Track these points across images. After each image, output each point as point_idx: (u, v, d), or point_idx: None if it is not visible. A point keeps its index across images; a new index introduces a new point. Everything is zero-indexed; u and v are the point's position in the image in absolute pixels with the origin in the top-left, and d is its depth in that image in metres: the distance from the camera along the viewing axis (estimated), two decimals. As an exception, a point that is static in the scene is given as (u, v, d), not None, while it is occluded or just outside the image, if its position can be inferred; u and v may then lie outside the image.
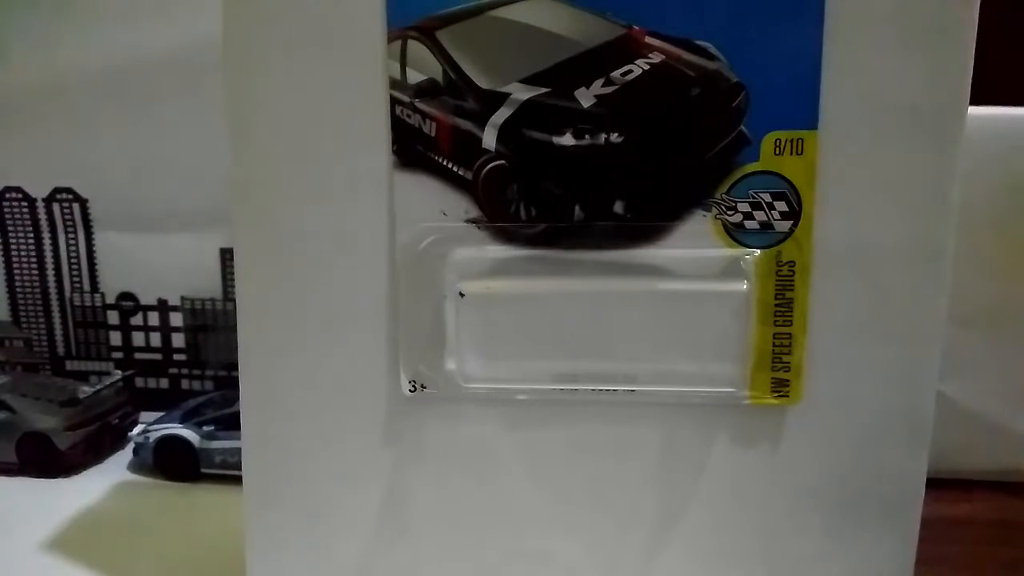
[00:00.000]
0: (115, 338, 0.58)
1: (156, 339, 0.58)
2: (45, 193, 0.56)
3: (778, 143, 0.26)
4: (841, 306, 0.27)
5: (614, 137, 0.27)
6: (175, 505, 0.44)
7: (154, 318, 0.57)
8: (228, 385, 0.56)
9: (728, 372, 0.28)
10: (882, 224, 0.27)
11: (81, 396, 0.49)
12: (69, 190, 0.56)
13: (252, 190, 0.29)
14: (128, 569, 0.38)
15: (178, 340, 0.57)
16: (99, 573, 0.37)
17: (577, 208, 0.27)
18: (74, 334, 0.59)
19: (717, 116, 0.26)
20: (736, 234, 0.27)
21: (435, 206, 0.28)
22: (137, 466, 0.48)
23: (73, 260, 0.57)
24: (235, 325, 0.30)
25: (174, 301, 0.57)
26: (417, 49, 0.27)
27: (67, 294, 0.58)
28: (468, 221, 0.28)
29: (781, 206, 0.27)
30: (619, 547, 0.30)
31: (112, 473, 0.48)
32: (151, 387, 0.58)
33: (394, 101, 0.27)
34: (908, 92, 0.26)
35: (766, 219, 0.27)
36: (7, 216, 0.57)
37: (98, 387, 0.51)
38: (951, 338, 0.28)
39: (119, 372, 0.55)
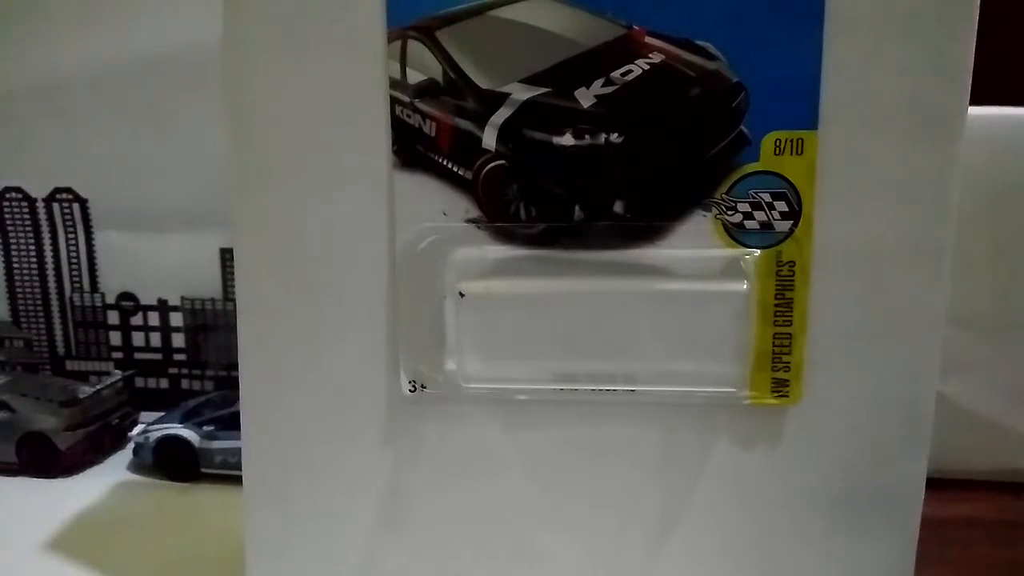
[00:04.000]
0: (115, 338, 0.58)
1: (156, 339, 0.58)
2: (45, 193, 0.56)
3: (778, 143, 0.26)
4: (841, 306, 0.27)
5: (614, 137, 0.27)
6: (175, 505, 0.44)
7: (154, 318, 0.57)
8: (228, 385, 0.56)
9: (728, 372, 0.28)
10: (882, 224, 0.27)
11: (81, 396, 0.49)
12: (69, 190, 0.56)
13: (252, 190, 0.29)
14: (128, 569, 0.38)
15: (178, 340, 0.57)
16: (99, 573, 0.37)
17: (577, 208, 0.27)
18: (74, 334, 0.59)
19: (717, 116, 0.26)
20: (736, 234, 0.27)
21: (435, 206, 0.28)
22: (137, 466, 0.48)
23: (73, 260, 0.57)
24: (235, 325, 0.30)
25: (174, 301, 0.57)
26: (417, 49, 0.27)
27: (67, 294, 0.58)
28: (468, 221, 0.28)
29: (781, 206, 0.27)
30: (619, 547, 0.30)
31: (112, 473, 0.48)
32: (151, 387, 0.58)
33: (394, 101, 0.27)
34: (908, 92, 0.26)
35: (766, 219, 0.27)
36: (7, 216, 0.57)
37: (98, 387, 0.51)
38: (951, 338, 0.28)
39: (119, 372, 0.55)
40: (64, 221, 0.57)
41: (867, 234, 0.27)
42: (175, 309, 0.57)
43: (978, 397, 0.44)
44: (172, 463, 0.47)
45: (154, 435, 0.47)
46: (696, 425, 0.29)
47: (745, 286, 0.27)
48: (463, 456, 0.29)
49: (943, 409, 0.29)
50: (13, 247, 0.58)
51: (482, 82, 0.27)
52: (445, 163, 0.28)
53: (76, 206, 0.56)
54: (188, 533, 0.41)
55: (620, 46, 0.26)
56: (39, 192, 0.56)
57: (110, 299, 0.58)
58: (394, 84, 0.27)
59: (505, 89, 0.27)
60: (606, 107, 0.27)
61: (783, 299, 0.27)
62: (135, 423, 0.52)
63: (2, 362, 0.59)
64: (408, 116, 0.27)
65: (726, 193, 0.27)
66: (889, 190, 0.26)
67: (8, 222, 0.57)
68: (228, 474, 0.46)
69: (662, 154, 0.27)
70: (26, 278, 0.58)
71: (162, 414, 0.50)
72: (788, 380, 0.28)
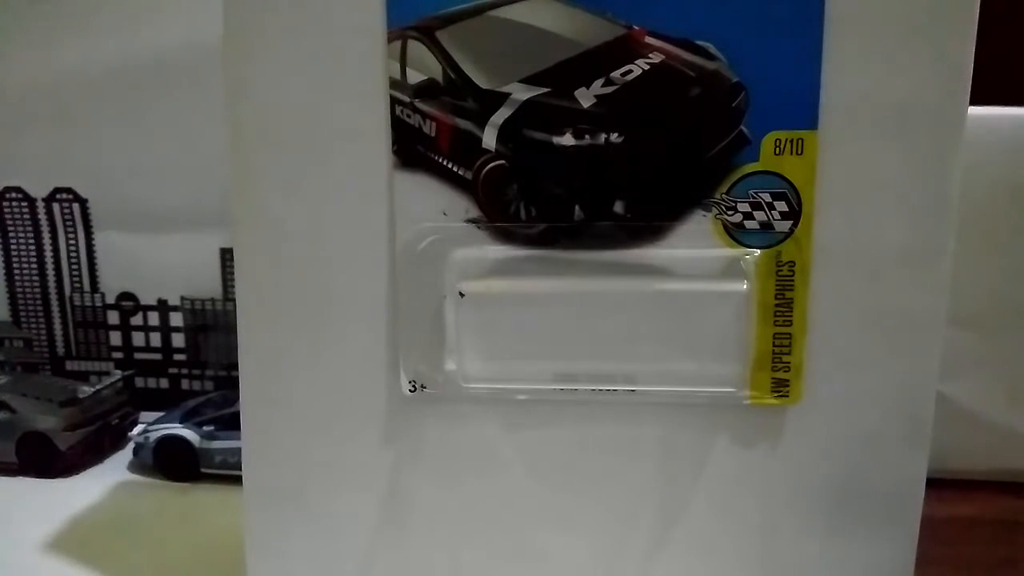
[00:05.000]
0: (115, 338, 0.58)
1: (156, 339, 0.58)
2: (45, 193, 0.56)
3: (778, 143, 0.26)
4: (841, 306, 0.27)
5: (614, 137, 0.27)
6: (175, 505, 0.44)
7: (154, 318, 0.57)
8: (228, 385, 0.56)
9: (728, 372, 0.28)
10: (882, 224, 0.27)
11: (81, 396, 0.49)
12: (69, 190, 0.56)
13: (252, 190, 0.29)
14: (128, 569, 0.38)
15: (178, 340, 0.57)
16: (99, 573, 0.37)
17: (577, 208, 0.27)
18: (74, 334, 0.59)
19: (717, 116, 0.26)
20: (736, 234, 0.27)
21: (435, 206, 0.28)
22: (137, 466, 0.48)
23: (73, 260, 0.57)
24: (235, 325, 0.30)
25: (174, 301, 0.57)
26: (417, 49, 0.27)
27: (67, 294, 0.58)
28: (468, 221, 0.28)
29: (781, 206, 0.27)
30: (619, 547, 0.30)
31: (112, 473, 0.48)
32: (151, 387, 0.58)
33: (394, 101, 0.27)
34: (908, 92, 0.26)
35: (766, 219, 0.27)
36: (7, 216, 0.57)
37: (98, 387, 0.51)
38: (951, 338, 0.28)
39: (119, 372, 0.55)
40: (64, 221, 0.57)
41: (867, 234, 0.27)
42: (175, 309, 0.57)
43: (978, 397, 0.44)
44: (172, 463, 0.47)
45: (154, 435, 0.47)
46: (696, 425, 0.29)
47: (745, 286, 0.27)
48: (463, 456, 0.29)
49: (943, 409, 0.29)
50: (13, 247, 0.58)
51: (482, 82, 0.27)
52: (445, 163, 0.28)
53: (76, 206, 0.56)
54: (188, 533, 0.41)
55: (620, 46, 0.26)
56: (39, 192, 0.56)
57: (110, 299, 0.58)
58: (394, 84, 0.27)
59: (505, 89, 0.27)
60: (606, 107, 0.27)
61: (783, 299, 0.27)
62: (135, 423, 0.53)
63: (2, 362, 0.59)
64: (408, 116, 0.27)
65: (726, 193, 0.27)
66: (889, 190, 0.26)
67: (8, 222, 0.57)
68: (228, 474, 0.46)
69: (662, 154, 0.27)
70: (26, 278, 0.58)
71: (162, 414, 0.50)
72: (788, 380, 0.28)
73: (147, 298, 0.57)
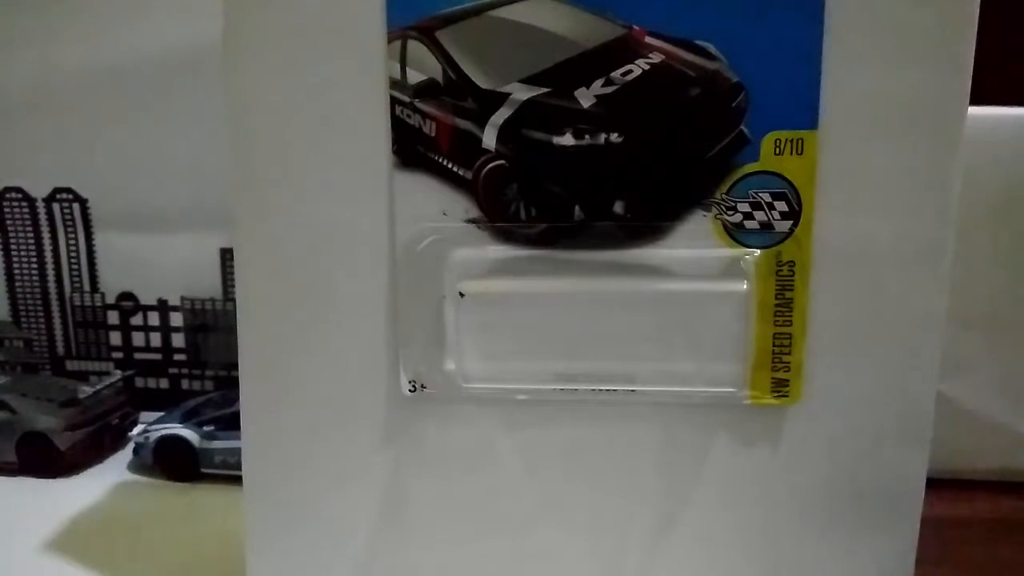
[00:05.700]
0: (115, 338, 0.58)
1: (156, 339, 0.58)
2: (45, 193, 0.56)
3: (778, 143, 0.26)
4: (841, 306, 0.27)
5: (614, 137, 0.27)
6: (175, 505, 0.44)
7: (154, 318, 0.57)
8: (228, 385, 0.56)
9: (728, 372, 0.28)
10: (882, 224, 0.27)
11: (81, 396, 0.49)
12: (69, 190, 0.56)
13: (252, 190, 0.29)
14: (128, 569, 0.38)
15: (178, 340, 0.58)
16: (99, 573, 0.37)
17: (577, 208, 0.27)
18: (74, 334, 0.59)
19: (717, 116, 0.26)
20: (736, 234, 0.27)
21: (435, 206, 0.28)
22: (137, 466, 0.48)
23: (73, 260, 0.57)
24: (235, 325, 0.30)
25: (174, 301, 0.57)
26: (417, 49, 0.27)
27: (67, 294, 0.58)
28: (468, 221, 0.28)
29: (781, 206, 0.27)
30: (619, 547, 0.30)
31: (112, 473, 0.48)
32: (151, 387, 0.58)
33: (394, 101, 0.27)
34: (908, 92, 0.26)
35: (766, 219, 0.27)
36: (7, 216, 0.57)
37: (98, 387, 0.51)
38: (951, 338, 0.28)
39: (119, 372, 0.55)
40: (64, 221, 0.57)
41: (867, 234, 0.27)
42: (175, 309, 0.57)
43: (978, 397, 0.44)
44: (172, 463, 0.47)
45: (154, 435, 0.47)
46: (696, 425, 0.29)
47: (745, 286, 0.27)
48: (463, 456, 0.29)
49: (943, 409, 0.29)
50: (13, 247, 0.58)
51: (482, 82, 0.27)
52: (445, 163, 0.28)
53: (76, 206, 0.56)
54: (188, 533, 0.41)
55: (620, 46, 0.26)
56: (39, 192, 0.56)
57: (110, 299, 0.58)
58: (394, 84, 0.27)
59: (505, 89, 0.27)
60: (606, 107, 0.27)
61: (783, 299, 0.27)
62: (135, 423, 0.52)
63: (2, 362, 0.59)
64: (408, 116, 0.27)
65: (726, 193, 0.27)
66: (889, 190, 0.26)
67: (8, 222, 0.57)
68: (228, 474, 0.46)
69: (662, 154, 0.27)
70: (26, 278, 0.58)
71: (162, 414, 0.50)
72: (788, 380, 0.28)
73: (147, 298, 0.57)
